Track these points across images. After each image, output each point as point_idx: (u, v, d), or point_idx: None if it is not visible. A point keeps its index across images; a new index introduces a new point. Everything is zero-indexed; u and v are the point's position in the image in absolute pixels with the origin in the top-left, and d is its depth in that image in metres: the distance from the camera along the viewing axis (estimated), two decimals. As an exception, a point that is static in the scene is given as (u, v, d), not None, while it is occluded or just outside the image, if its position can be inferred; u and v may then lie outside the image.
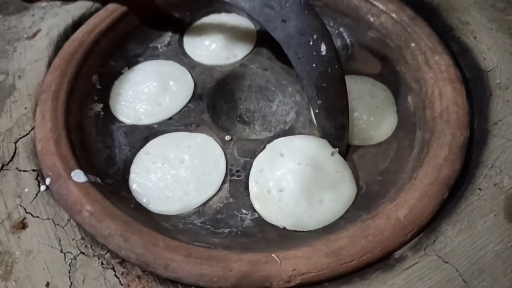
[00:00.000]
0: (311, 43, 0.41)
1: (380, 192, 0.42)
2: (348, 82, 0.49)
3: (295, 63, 0.42)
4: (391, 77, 0.51)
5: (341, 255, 0.35)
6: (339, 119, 0.43)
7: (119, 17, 0.52)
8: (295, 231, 0.40)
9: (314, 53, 0.41)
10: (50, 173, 0.40)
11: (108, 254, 0.37)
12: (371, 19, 0.54)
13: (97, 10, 0.55)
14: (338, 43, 0.56)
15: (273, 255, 0.35)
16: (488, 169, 0.41)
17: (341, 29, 0.57)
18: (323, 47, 0.40)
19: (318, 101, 0.42)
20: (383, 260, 0.36)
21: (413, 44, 0.50)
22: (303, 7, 0.41)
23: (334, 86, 0.42)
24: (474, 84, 0.47)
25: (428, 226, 0.38)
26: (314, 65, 0.41)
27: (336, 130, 0.44)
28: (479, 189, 0.40)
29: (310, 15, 0.41)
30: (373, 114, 0.46)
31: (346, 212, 0.42)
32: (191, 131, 0.48)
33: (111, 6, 0.53)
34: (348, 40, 0.56)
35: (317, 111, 0.43)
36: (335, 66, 0.41)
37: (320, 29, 0.41)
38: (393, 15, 0.52)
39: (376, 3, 0.53)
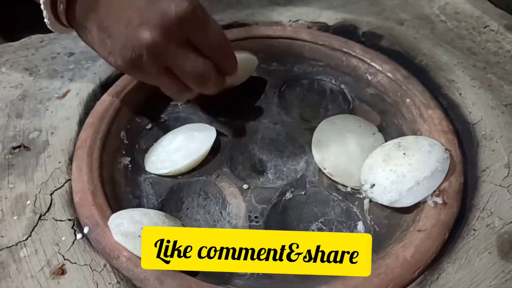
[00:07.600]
0: None
1: (387, 234, 0.46)
2: (353, 122, 0.55)
3: None
4: (389, 128, 0.57)
5: (357, 293, 0.39)
6: None
7: (145, 79, 0.58)
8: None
9: None
10: (88, 222, 0.44)
11: (142, 297, 0.41)
12: (369, 77, 0.60)
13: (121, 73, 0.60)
14: (340, 98, 0.62)
15: (295, 294, 0.39)
16: (480, 211, 0.45)
17: (343, 86, 0.63)
18: None
19: None
20: (394, 297, 0.40)
21: (408, 100, 0.56)
22: None
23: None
24: (463, 135, 0.53)
25: (432, 264, 0.42)
26: None
27: None
28: (474, 229, 0.44)
29: None
30: (376, 163, 0.51)
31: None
32: (212, 181, 0.52)
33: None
34: (349, 96, 0.62)
35: None
36: None
37: None
38: (389, 74, 0.58)
39: (373, 64, 0.60)
